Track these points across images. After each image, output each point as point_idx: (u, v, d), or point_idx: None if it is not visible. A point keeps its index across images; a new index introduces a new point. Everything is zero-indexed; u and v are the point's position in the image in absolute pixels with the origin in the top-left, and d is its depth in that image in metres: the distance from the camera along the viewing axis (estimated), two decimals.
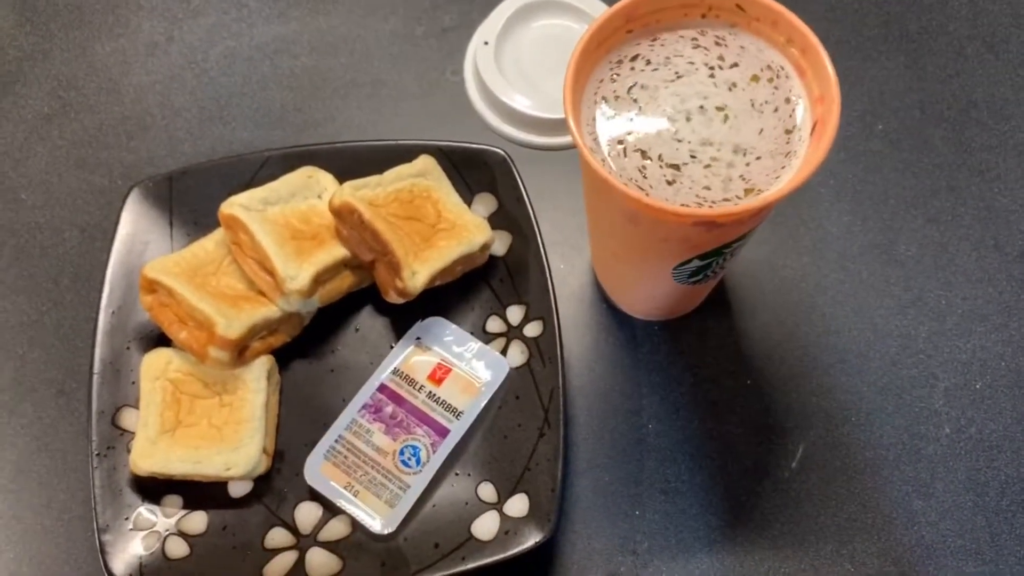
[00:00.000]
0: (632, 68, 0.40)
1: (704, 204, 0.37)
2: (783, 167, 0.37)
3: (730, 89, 0.39)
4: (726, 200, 0.37)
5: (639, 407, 0.51)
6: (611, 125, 0.39)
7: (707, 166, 0.38)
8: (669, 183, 0.38)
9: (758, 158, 0.38)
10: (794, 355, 0.52)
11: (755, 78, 0.39)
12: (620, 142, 0.39)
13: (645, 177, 0.38)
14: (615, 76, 0.40)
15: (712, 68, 0.40)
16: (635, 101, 0.39)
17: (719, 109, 0.39)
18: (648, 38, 0.40)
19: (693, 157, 0.38)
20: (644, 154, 0.38)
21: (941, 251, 0.54)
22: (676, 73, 0.40)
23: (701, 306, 0.53)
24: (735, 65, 0.39)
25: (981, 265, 0.54)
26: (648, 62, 0.40)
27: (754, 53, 0.40)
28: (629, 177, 0.38)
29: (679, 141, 0.38)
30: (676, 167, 0.38)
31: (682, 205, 0.37)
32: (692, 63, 0.40)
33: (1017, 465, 0.49)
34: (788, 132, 0.38)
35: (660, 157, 0.38)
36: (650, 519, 0.48)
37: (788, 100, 0.39)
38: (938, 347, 0.52)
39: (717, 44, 0.40)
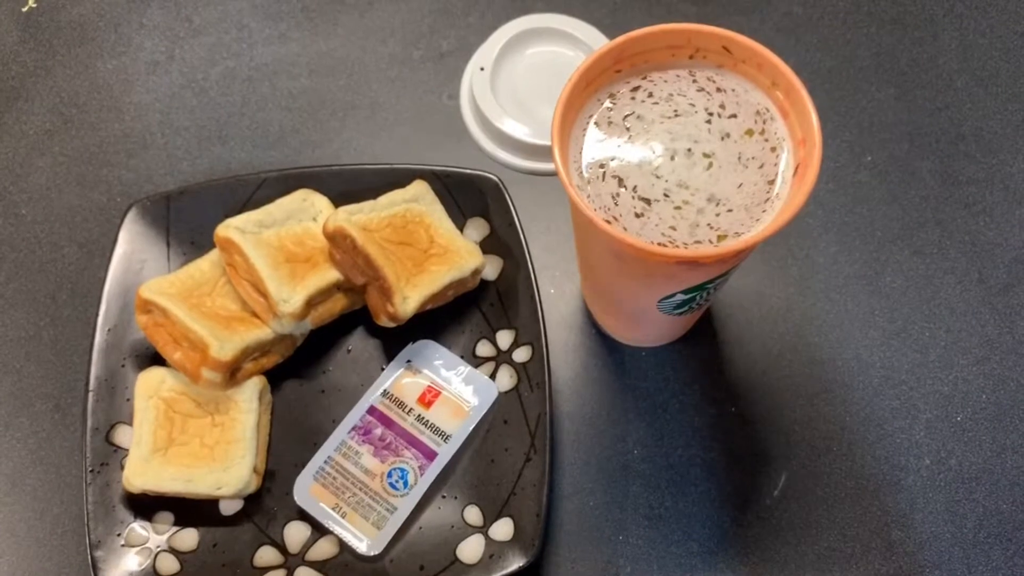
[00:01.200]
0: (633, 98, 0.41)
1: (669, 244, 0.38)
2: (756, 219, 0.38)
3: (722, 138, 0.40)
4: (697, 242, 0.38)
5: (625, 433, 0.52)
6: (598, 148, 0.40)
7: (677, 208, 0.38)
8: (637, 215, 0.38)
9: (730, 210, 0.38)
10: (778, 384, 0.52)
11: (749, 132, 0.40)
12: (601, 165, 0.39)
13: (616, 204, 0.39)
14: (613, 104, 0.41)
15: (711, 114, 0.40)
16: (627, 129, 0.40)
17: (706, 155, 0.39)
18: (638, 76, 0.41)
19: (666, 196, 0.39)
20: (620, 182, 0.39)
21: (926, 284, 0.55)
22: (675, 111, 0.40)
23: (688, 334, 0.54)
24: (733, 116, 0.40)
25: (965, 298, 0.54)
26: (650, 95, 0.41)
27: (742, 95, 0.41)
28: (602, 204, 0.39)
29: (657, 177, 0.39)
30: (647, 201, 0.39)
31: (655, 243, 0.38)
32: (693, 105, 0.41)
33: (995, 498, 0.50)
34: (770, 182, 0.39)
35: (635, 188, 0.39)
36: (634, 544, 0.49)
37: (774, 149, 0.39)
38: (920, 379, 0.52)
39: (719, 91, 0.41)
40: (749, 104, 0.40)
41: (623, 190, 0.39)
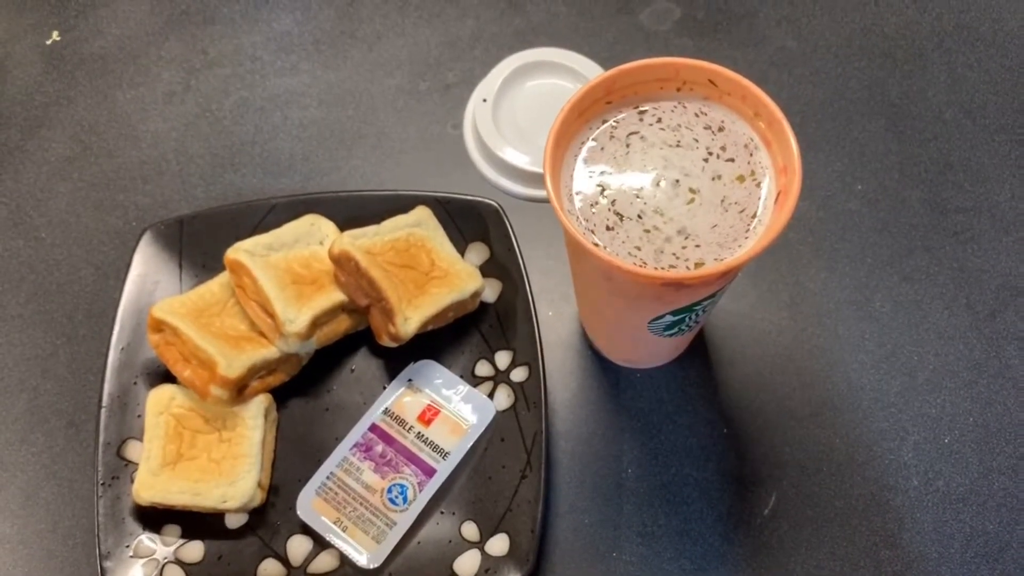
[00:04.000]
0: (640, 119, 0.43)
1: (637, 263, 0.39)
2: (728, 254, 0.40)
3: (713, 179, 0.41)
4: (672, 266, 0.39)
5: (619, 452, 0.53)
6: (594, 156, 0.42)
7: (647, 231, 0.40)
8: (608, 228, 0.40)
9: (697, 246, 0.40)
10: (770, 406, 0.54)
11: (741, 178, 0.41)
12: (591, 174, 0.41)
13: (594, 213, 0.40)
14: (616, 123, 0.42)
15: (711, 154, 0.42)
16: (627, 146, 0.42)
17: (691, 191, 0.41)
18: (630, 107, 0.43)
19: (639, 216, 0.40)
20: (602, 191, 0.41)
21: (915, 309, 0.56)
22: (678, 142, 0.42)
23: (682, 356, 0.55)
24: (731, 160, 0.42)
25: (953, 323, 0.56)
26: (659, 120, 0.43)
27: (729, 125, 0.42)
28: (581, 211, 0.40)
29: (636, 197, 0.41)
30: (620, 216, 0.40)
31: (628, 261, 0.39)
32: (697, 140, 0.42)
33: (982, 518, 0.51)
34: (751, 217, 0.40)
35: (613, 202, 0.41)
36: (627, 561, 0.50)
37: (760, 194, 0.41)
38: (909, 402, 0.54)
39: (721, 130, 0.42)
40: (737, 133, 0.42)
41: (602, 199, 0.41)
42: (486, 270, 0.56)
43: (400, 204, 0.56)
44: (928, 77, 0.64)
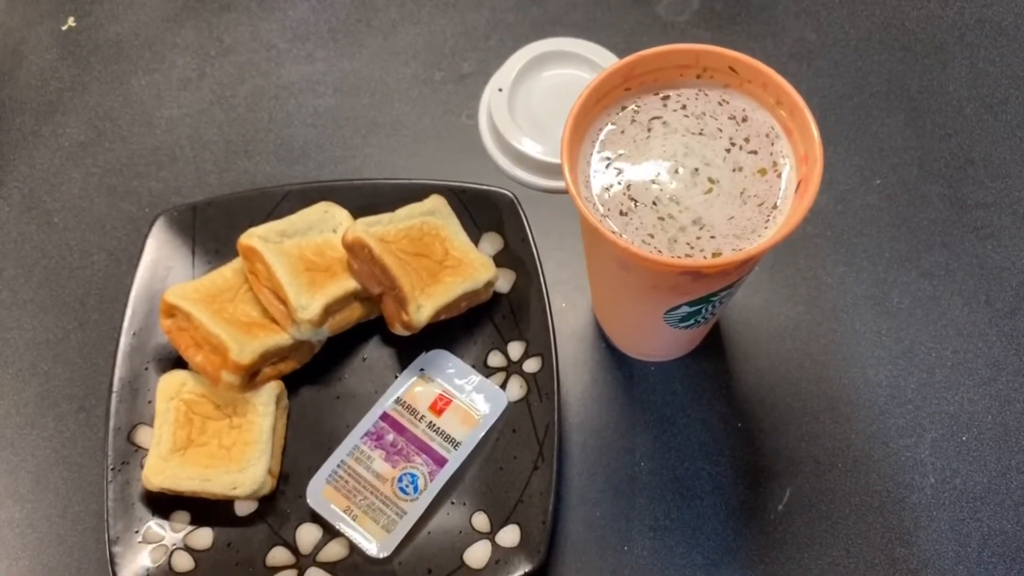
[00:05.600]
0: (664, 105, 0.42)
1: (651, 251, 0.39)
2: (748, 242, 0.39)
3: (733, 170, 0.41)
4: (687, 255, 0.39)
5: (632, 445, 0.52)
6: (612, 139, 0.41)
7: (661, 218, 0.40)
8: (622, 213, 0.40)
9: (712, 237, 0.39)
10: (785, 401, 0.53)
11: (762, 171, 0.40)
12: (608, 157, 0.41)
13: (609, 197, 0.40)
14: (638, 107, 0.42)
15: (734, 144, 0.41)
16: (649, 131, 0.41)
17: (711, 180, 0.40)
18: (650, 94, 0.43)
19: (654, 204, 0.40)
20: (619, 173, 0.40)
21: (933, 305, 0.55)
22: (701, 130, 0.42)
23: (696, 349, 0.55)
24: (753, 152, 0.41)
25: (972, 320, 0.55)
26: (684, 106, 0.42)
27: (750, 113, 0.42)
28: (597, 196, 0.40)
29: (652, 183, 0.40)
30: (634, 201, 0.40)
31: (640, 247, 0.39)
32: (720, 130, 0.42)
33: (1000, 518, 0.50)
34: (772, 207, 0.40)
35: (628, 186, 0.40)
36: (638, 555, 0.50)
37: (780, 184, 0.40)
38: (926, 398, 0.53)
39: (744, 120, 0.42)
40: (759, 122, 0.41)
41: (617, 185, 0.40)
42: (500, 260, 0.55)
43: (414, 193, 0.55)
44: (949, 71, 0.63)
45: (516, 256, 0.55)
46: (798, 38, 0.65)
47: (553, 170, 0.59)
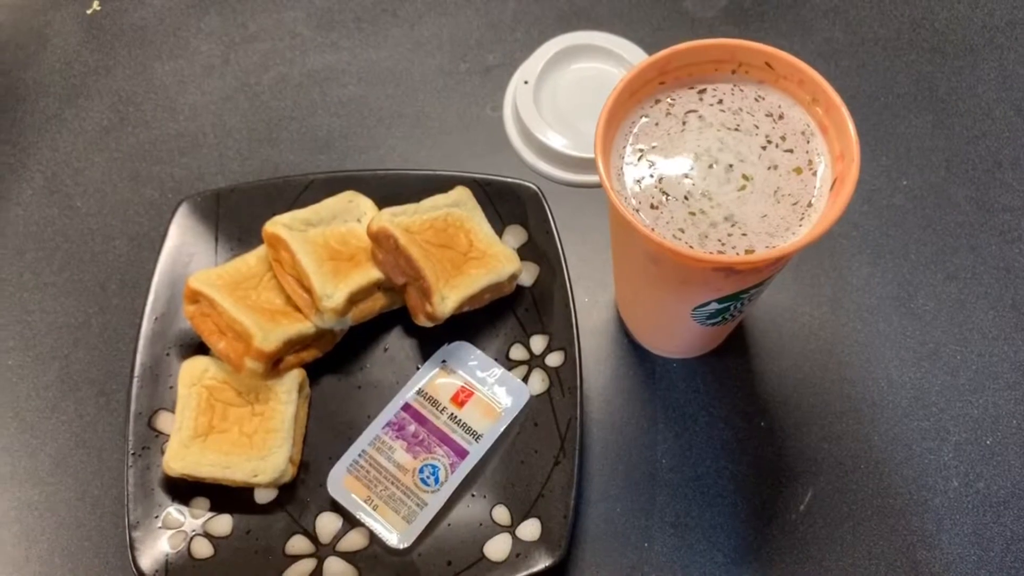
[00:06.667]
0: (700, 99, 0.42)
1: (683, 245, 0.38)
2: (782, 240, 0.39)
3: (768, 168, 0.40)
4: (720, 251, 0.38)
5: (654, 442, 0.52)
6: (646, 131, 0.41)
7: (692, 213, 0.39)
8: (653, 207, 0.39)
9: (744, 234, 0.39)
10: (808, 401, 0.53)
11: (798, 170, 0.40)
12: (641, 149, 0.40)
13: (641, 190, 0.40)
14: (673, 101, 0.42)
15: (770, 142, 0.41)
16: (684, 124, 0.41)
17: (745, 177, 0.40)
18: (685, 88, 0.42)
19: (686, 198, 0.40)
20: (651, 166, 0.40)
21: (959, 308, 0.55)
22: (737, 125, 0.41)
23: (720, 347, 0.54)
24: (789, 151, 0.41)
25: (997, 323, 0.55)
26: (720, 101, 0.42)
27: (786, 111, 0.41)
28: (628, 187, 0.40)
29: (686, 177, 0.40)
30: (666, 195, 0.39)
31: (675, 243, 0.38)
32: (757, 127, 0.41)
33: (1023, 522, 0.49)
34: (807, 205, 0.39)
35: (660, 179, 0.40)
36: (658, 551, 0.50)
37: (814, 177, 0.40)
38: (950, 401, 0.53)
39: (781, 118, 0.41)
40: (794, 120, 0.41)
41: (649, 177, 0.40)
42: (523, 253, 0.55)
43: (439, 184, 0.55)
44: (978, 73, 0.63)
45: (540, 249, 0.55)
46: (826, 37, 0.64)
47: (578, 164, 0.59)
